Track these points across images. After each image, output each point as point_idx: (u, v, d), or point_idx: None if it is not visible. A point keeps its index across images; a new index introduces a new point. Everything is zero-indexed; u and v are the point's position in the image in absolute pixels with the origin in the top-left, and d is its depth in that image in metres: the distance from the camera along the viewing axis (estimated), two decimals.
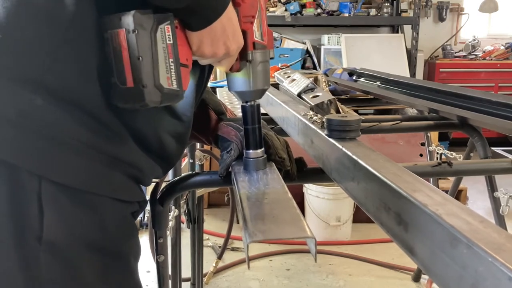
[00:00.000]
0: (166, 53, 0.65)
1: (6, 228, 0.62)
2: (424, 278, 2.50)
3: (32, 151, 0.63)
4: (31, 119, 0.62)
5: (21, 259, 0.64)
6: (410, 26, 4.99)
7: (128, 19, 0.62)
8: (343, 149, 0.75)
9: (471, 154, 1.92)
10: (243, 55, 0.77)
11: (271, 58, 0.82)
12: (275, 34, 4.97)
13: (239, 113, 1.29)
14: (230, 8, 0.71)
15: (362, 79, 2.32)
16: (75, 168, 0.65)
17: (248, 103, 0.82)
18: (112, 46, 0.64)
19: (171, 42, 0.66)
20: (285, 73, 1.79)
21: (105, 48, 0.65)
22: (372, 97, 2.14)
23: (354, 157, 0.70)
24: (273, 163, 0.86)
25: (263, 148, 0.84)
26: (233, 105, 1.54)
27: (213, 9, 0.69)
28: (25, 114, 0.62)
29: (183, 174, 0.99)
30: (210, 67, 0.85)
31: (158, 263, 1.04)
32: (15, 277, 0.64)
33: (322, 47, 5.07)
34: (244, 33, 0.75)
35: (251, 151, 0.83)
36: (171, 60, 0.66)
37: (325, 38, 5.06)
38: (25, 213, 0.63)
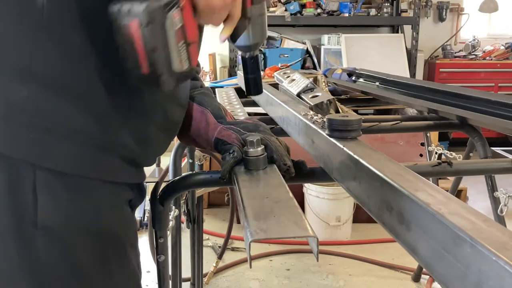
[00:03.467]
0: (176, 38, 0.66)
1: (5, 216, 0.65)
2: (424, 278, 2.50)
3: (24, 141, 0.65)
4: (19, 110, 0.64)
5: (19, 243, 0.66)
6: (410, 26, 5.00)
7: (140, 13, 0.63)
8: (345, 148, 0.75)
9: (471, 154, 1.91)
10: (243, 12, 0.76)
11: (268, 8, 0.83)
12: (275, 34, 4.97)
13: (239, 117, 1.29)
14: None
15: (361, 80, 2.32)
16: (66, 154, 0.67)
17: (248, 54, 0.85)
18: (123, 37, 0.65)
19: (181, 25, 0.67)
20: (284, 73, 1.79)
21: (115, 36, 0.65)
22: (372, 97, 2.14)
23: (355, 156, 0.70)
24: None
25: (263, 147, 0.84)
26: (232, 105, 1.54)
27: None
28: (14, 106, 0.64)
29: (183, 174, 0.99)
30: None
31: (158, 263, 1.04)
32: (13, 260, 0.66)
33: (322, 47, 5.07)
34: None
35: (251, 149, 0.83)
36: (181, 43, 0.67)
37: (325, 38, 5.07)
38: (21, 201, 0.65)
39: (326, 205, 2.94)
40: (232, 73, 4.71)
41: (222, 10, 0.71)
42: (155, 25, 0.63)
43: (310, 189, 2.96)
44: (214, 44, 4.94)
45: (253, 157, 0.83)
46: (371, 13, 5.03)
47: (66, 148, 0.67)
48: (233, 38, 0.80)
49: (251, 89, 0.87)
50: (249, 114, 1.43)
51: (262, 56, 4.79)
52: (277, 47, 4.94)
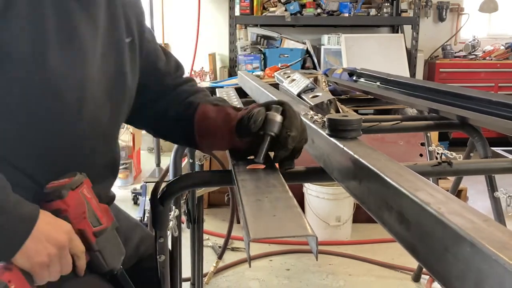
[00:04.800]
0: None
1: None
2: (424, 278, 2.50)
3: None
4: None
5: None
6: (410, 26, 4.99)
7: None
8: (345, 148, 0.75)
9: (471, 154, 1.91)
10: (89, 248, 0.80)
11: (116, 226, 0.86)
12: (275, 34, 4.97)
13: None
14: (43, 218, 0.73)
15: (362, 79, 2.32)
16: None
17: (116, 272, 0.88)
18: None
19: None
20: (285, 73, 1.79)
21: None
22: (372, 97, 2.14)
23: (356, 156, 0.70)
24: (273, 163, 0.86)
25: (281, 116, 0.86)
26: (232, 102, 1.54)
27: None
28: None
29: (183, 174, 0.99)
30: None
31: (158, 263, 1.04)
32: None
33: (322, 47, 5.07)
34: (81, 232, 0.79)
35: (270, 113, 0.86)
36: None
37: (325, 38, 5.06)
38: None
39: (326, 205, 2.94)
40: (232, 73, 4.70)
41: (55, 261, 0.73)
42: None
43: (310, 189, 2.96)
44: (214, 45, 4.94)
45: (271, 119, 0.85)
46: (371, 13, 5.03)
47: None
48: (93, 268, 0.83)
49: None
50: None
51: (262, 56, 4.78)
52: (277, 47, 4.93)
